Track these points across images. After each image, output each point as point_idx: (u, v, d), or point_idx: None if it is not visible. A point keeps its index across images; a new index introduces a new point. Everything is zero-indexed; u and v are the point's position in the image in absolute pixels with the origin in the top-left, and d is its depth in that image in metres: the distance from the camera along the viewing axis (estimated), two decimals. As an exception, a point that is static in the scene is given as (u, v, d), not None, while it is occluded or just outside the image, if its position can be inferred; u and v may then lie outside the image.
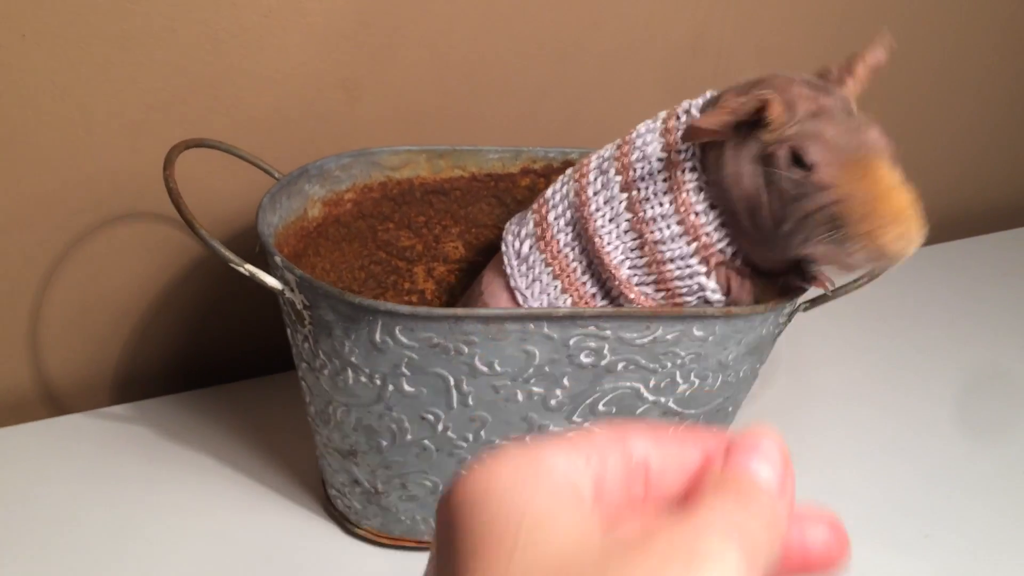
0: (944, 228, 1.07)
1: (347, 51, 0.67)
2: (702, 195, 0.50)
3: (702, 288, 0.51)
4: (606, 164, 0.54)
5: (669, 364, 0.50)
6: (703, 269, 0.50)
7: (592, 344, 0.48)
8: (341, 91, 0.68)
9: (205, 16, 0.62)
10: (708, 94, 0.52)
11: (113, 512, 0.58)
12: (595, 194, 0.53)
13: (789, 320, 0.53)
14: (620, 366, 0.49)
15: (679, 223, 0.50)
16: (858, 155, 0.46)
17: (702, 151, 0.50)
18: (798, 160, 0.46)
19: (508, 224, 0.59)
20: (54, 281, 0.66)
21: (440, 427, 0.51)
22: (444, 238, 0.66)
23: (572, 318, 0.47)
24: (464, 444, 0.52)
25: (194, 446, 0.64)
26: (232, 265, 0.48)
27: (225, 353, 0.74)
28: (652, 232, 0.51)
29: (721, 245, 0.50)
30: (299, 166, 0.59)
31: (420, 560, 0.57)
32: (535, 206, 0.57)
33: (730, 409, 0.55)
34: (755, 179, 0.47)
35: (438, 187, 0.64)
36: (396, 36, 0.69)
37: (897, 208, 0.45)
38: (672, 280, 0.51)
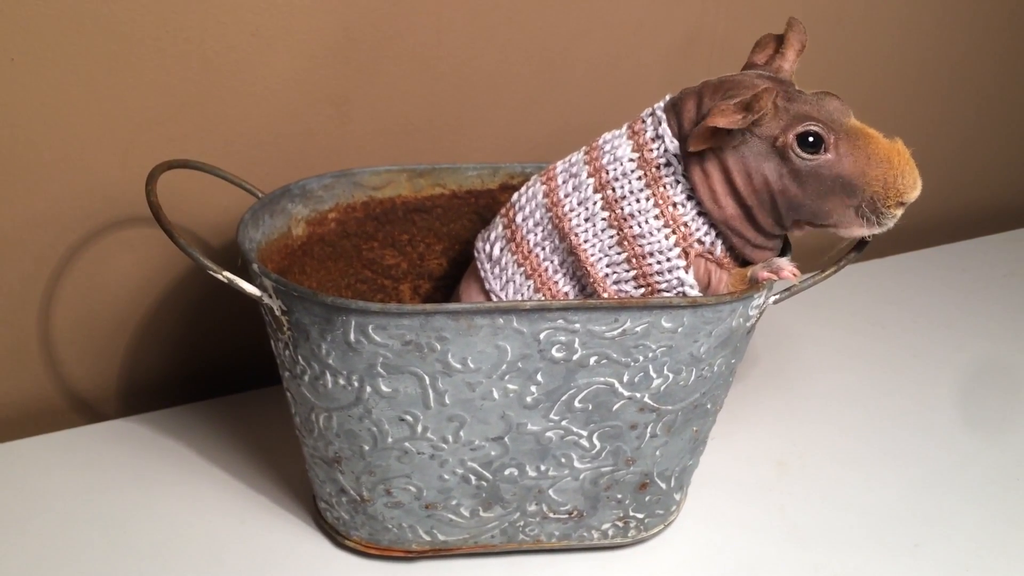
0: (938, 231, 1.07)
1: (335, 67, 0.69)
2: (679, 187, 0.53)
3: (681, 283, 0.53)
4: (575, 168, 0.56)
5: (641, 358, 0.51)
6: (682, 263, 0.53)
7: (562, 338, 0.49)
8: (330, 107, 0.70)
9: (193, 35, 0.63)
10: (667, 97, 0.55)
11: (106, 526, 0.59)
12: (566, 196, 0.55)
13: (760, 314, 0.54)
14: (592, 360, 0.50)
15: (657, 217, 0.53)
16: (844, 124, 0.50)
17: (684, 159, 0.52)
18: (807, 144, 0.49)
19: (478, 235, 0.61)
20: (53, 298, 0.67)
21: (419, 428, 0.52)
22: (428, 256, 0.68)
23: (540, 311, 0.48)
24: (445, 446, 0.53)
25: (190, 459, 0.65)
26: (211, 272, 0.50)
27: (223, 365, 0.75)
28: (631, 227, 0.53)
29: (699, 235, 0.53)
30: (286, 183, 0.61)
31: (409, 571, 0.58)
32: (502, 211, 0.59)
33: (709, 406, 0.56)
34: (771, 172, 0.50)
35: (420, 205, 0.66)
36: (384, 50, 0.70)
37: (901, 158, 0.50)
38: (653, 275, 0.53)
